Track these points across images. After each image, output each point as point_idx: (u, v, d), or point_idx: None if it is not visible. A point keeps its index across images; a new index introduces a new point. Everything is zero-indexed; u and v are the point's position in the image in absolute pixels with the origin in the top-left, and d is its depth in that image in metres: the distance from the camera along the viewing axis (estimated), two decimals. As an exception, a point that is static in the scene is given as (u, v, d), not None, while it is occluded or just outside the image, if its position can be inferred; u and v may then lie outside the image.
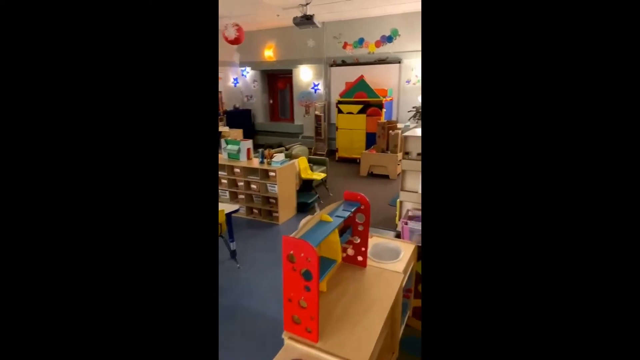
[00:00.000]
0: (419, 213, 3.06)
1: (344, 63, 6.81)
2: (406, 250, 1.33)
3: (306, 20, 4.91)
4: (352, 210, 1.08)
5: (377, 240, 1.42)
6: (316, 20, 4.93)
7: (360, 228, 1.13)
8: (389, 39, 6.23)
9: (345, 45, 6.72)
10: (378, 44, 6.37)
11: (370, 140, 5.95)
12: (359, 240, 1.15)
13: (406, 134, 3.18)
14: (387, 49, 6.32)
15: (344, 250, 1.17)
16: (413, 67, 6.25)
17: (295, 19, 4.98)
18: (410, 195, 3.31)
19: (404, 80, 6.38)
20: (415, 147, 3.27)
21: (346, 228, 1.14)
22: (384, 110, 5.89)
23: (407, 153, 3.16)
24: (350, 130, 6.27)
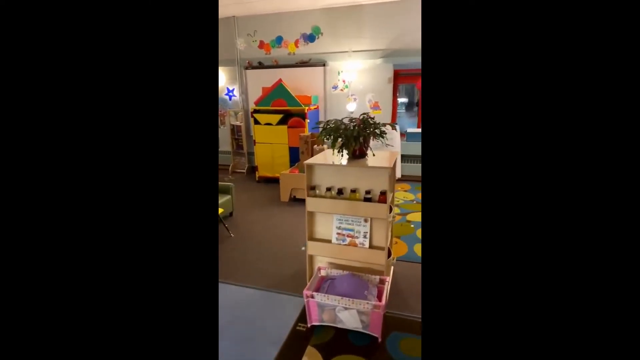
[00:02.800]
0: (336, 273, 2.14)
1: (261, 65, 5.79)
2: None
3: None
4: None
5: None
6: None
7: None
8: (311, 37, 5.37)
9: (262, 45, 5.71)
10: (298, 43, 5.48)
11: (294, 156, 5.00)
12: None
13: (312, 160, 2.21)
14: (310, 50, 5.46)
15: None
16: (340, 70, 5.46)
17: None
18: (323, 246, 2.32)
19: (330, 85, 5.57)
20: (325, 180, 2.31)
21: None
22: (307, 120, 4.98)
23: (312, 188, 2.22)
24: (271, 144, 5.25)
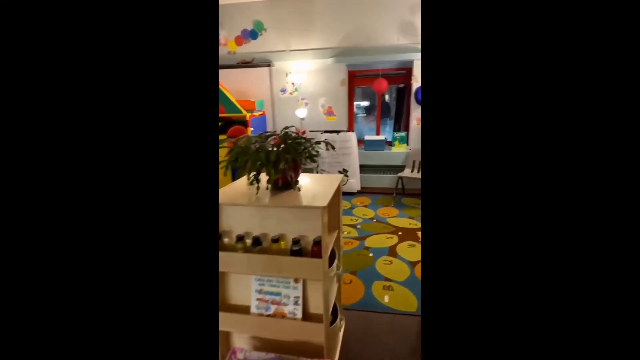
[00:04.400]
0: (257, 356, 1.50)
1: (197, 66, 5.02)
2: None
3: None
4: None
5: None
6: None
7: None
8: (253, 34, 4.68)
9: (198, 43, 4.94)
10: (239, 40, 4.77)
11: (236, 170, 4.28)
12: None
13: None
14: (252, 48, 4.77)
15: None
16: (287, 71, 4.82)
17: None
18: (238, 319, 1.68)
19: (278, 88, 4.92)
20: (238, 224, 1.69)
21: None
22: (250, 129, 4.29)
23: (220, 236, 1.52)
24: (210, 157, 4.49)
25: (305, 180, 1.67)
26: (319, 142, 1.58)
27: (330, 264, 1.54)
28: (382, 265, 2.82)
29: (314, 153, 1.55)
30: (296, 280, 1.49)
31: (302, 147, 1.49)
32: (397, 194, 4.59)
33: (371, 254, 3.01)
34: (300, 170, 1.58)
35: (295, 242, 1.41)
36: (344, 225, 3.69)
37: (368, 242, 3.25)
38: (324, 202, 1.33)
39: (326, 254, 1.40)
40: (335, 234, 1.75)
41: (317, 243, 1.39)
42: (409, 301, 2.31)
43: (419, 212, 4.06)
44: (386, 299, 2.35)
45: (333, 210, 1.77)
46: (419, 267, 2.74)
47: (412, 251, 3.04)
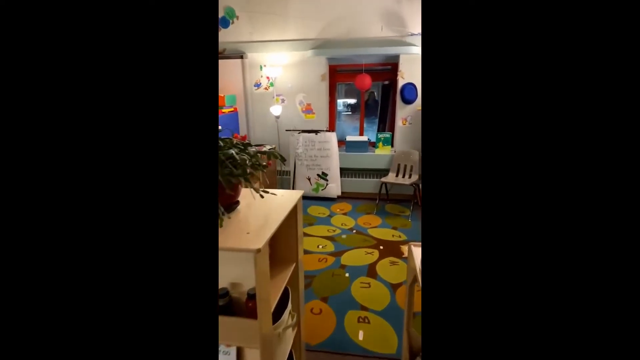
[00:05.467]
0: None
1: (163, 56, 4.54)
2: None
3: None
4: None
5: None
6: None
7: None
8: (224, 22, 4.22)
9: (163, 30, 4.46)
10: (209, 28, 4.31)
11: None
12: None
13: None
14: (223, 38, 4.31)
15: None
16: (262, 64, 4.39)
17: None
18: None
19: (252, 83, 4.48)
20: None
21: None
22: (219, 128, 3.85)
23: None
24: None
25: (250, 201, 1.26)
26: (264, 152, 1.17)
27: (278, 316, 1.14)
28: (358, 289, 2.43)
29: (264, 165, 1.14)
30: (228, 345, 1.09)
31: (241, 161, 1.07)
32: (381, 200, 4.23)
33: (347, 274, 2.62)
34: (239, 189, 1.17)
35: (222, 295, 1.00)
36: (320, 237, 3.30)
37: (345, 259, 2.87)
38: (259, 243, 0.92)
39: (266, 311, 1.00)
40: (290, 270, 1.35)
41: (251, 297, 0.98)
42: (388, 339, 1.93)
43: (403, 221, 3.71)
44: (361, 335, 1.97)
45: (288, 239, 1.37)
46: (400, 292, 2.37)
47: (394, 271, 2.67)
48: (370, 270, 2.68)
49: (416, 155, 4.12)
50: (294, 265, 1.40)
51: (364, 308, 2.21)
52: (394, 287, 2.43)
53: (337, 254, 2.96)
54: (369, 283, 2.50)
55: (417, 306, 1.80)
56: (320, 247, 3.10)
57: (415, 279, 1.40)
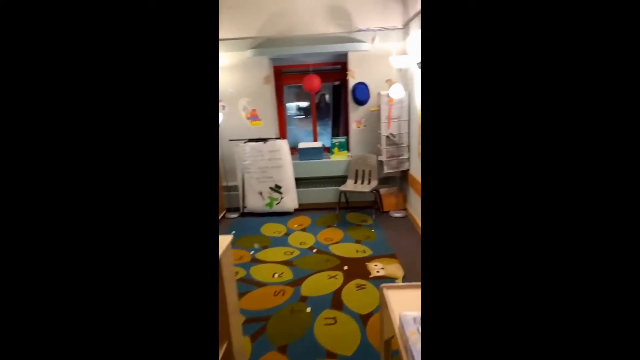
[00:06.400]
0: None
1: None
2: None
3: None
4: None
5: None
6: None
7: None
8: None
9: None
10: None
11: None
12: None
13: None
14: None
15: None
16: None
17: None
18: None
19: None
20: None
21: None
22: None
23: None
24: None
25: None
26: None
27: None
28: (322, 327, 2.05)
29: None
30: None
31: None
32: (341, 209, 3.90)
33: (309, 309, 2.23)
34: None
35: None
36: (275, 263, 2.88)
37: (305, 288, 2.47)
38: None
39: None
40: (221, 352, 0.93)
41: None
42: (362, 395, 1.57)
43: (366, 232, 3.40)
44: (329, 396, 1.58)
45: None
46: (372, 325, 2.02)
47: (362, 296, 2.33)
48: (335, 300, 2.31)
49: (373, 160, 3.84)
50: (225, 345, 0.98)
51: (330, 355, 1.83)
52: (363, 320, 2.08)
53: (296, 282, 2.56)
54: (334, 318, 2.13)
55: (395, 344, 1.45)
56: (276, 275, 2.67)
57: (392, 340, 1.04)
